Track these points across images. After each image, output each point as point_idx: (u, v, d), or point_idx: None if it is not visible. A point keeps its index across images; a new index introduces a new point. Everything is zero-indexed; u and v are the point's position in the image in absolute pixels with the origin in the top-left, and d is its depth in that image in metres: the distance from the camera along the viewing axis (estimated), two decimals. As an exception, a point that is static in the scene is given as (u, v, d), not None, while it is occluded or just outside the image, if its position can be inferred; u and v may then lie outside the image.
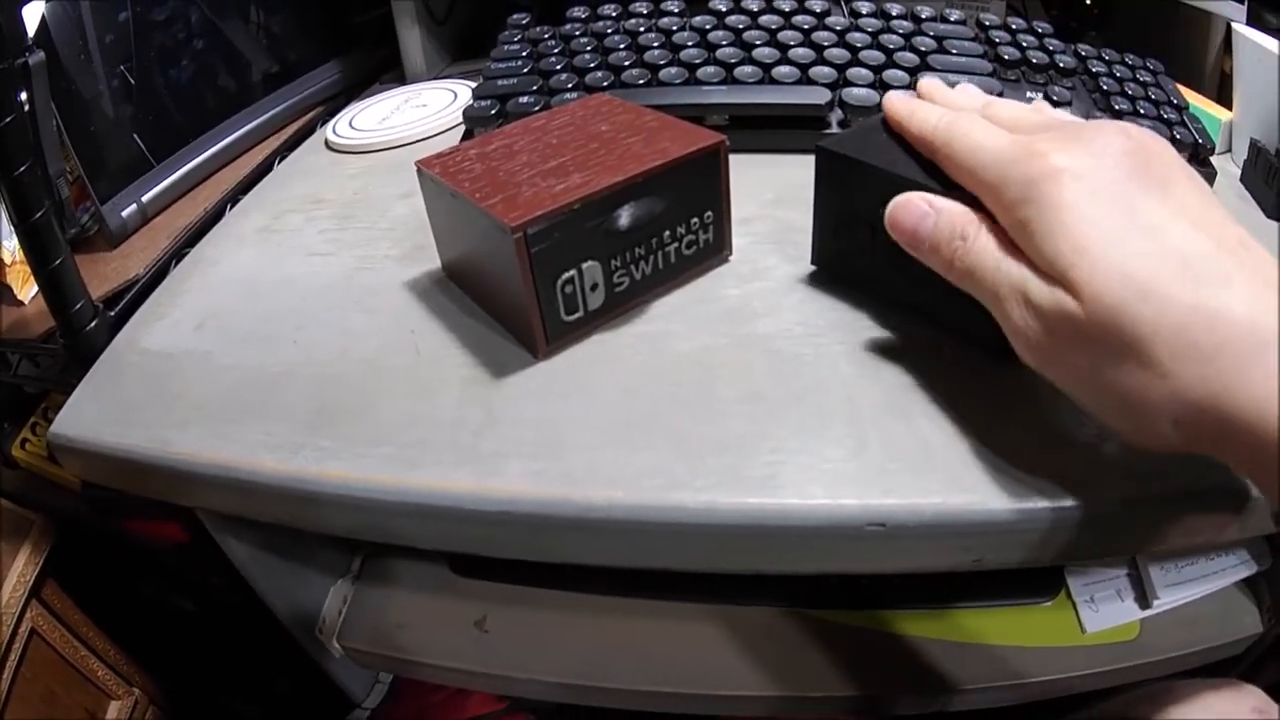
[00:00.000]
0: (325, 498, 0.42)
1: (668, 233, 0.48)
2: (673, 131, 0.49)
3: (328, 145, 0.76)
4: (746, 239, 0.54)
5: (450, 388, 0.45)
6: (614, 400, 0.44)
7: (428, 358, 0.48)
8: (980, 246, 0.37)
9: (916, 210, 0.40)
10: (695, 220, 0.49)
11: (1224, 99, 0.67)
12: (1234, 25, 0.64)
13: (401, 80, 0.89)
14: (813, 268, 0.52)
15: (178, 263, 0.61)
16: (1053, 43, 0.68)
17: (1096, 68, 0.66)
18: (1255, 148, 0.60)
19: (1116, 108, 0.62)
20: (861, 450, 0.40)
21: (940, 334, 0.46)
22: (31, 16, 0.59)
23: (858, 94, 0.62)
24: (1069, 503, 0.37)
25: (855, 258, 0.48)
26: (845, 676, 0.61)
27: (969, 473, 0.38)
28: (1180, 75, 0.68)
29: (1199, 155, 0.60)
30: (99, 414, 0.47)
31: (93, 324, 0.52)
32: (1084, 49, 0.68)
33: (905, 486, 0.38)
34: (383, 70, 0.95)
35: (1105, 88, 0.64)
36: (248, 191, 0.71)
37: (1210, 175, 0.59)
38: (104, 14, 0.65)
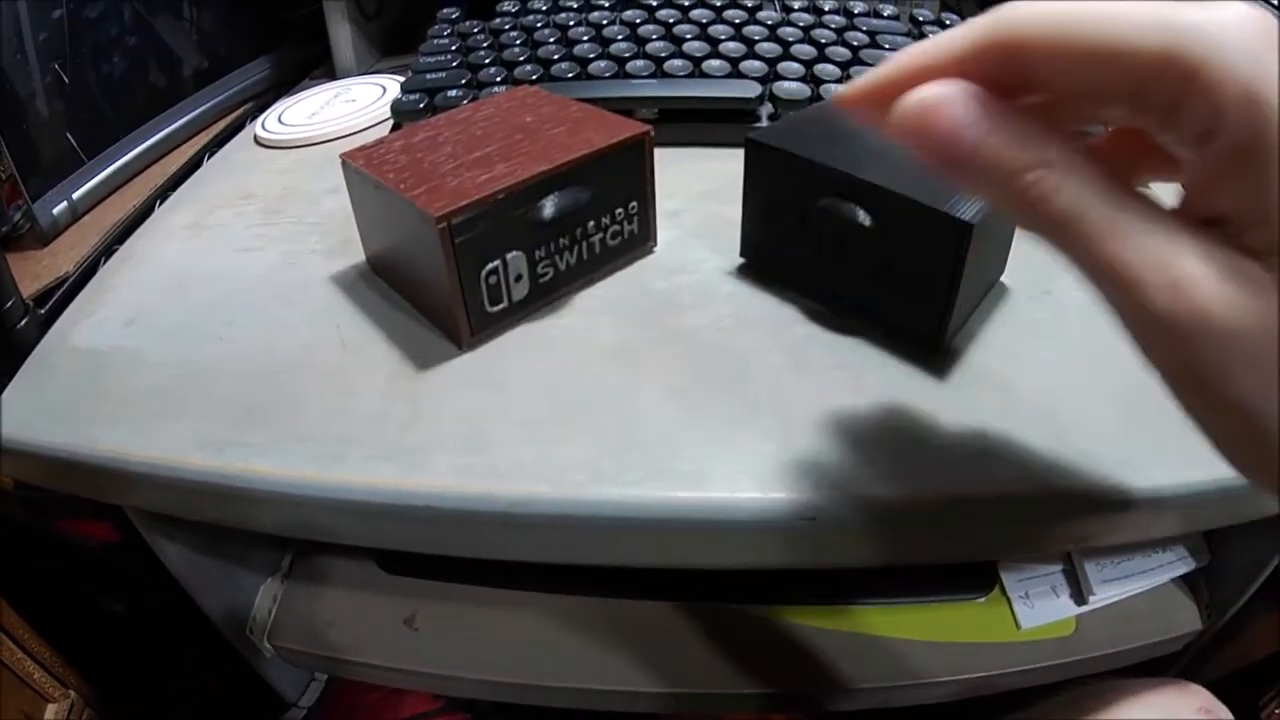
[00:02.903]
0: (251, 494, 0.42)
1: (592, 223, 0.48)
2: (598, 122, 0.49)
3: (257, 141, 0.75)
4: (675, 231, 0.55)
5: (376, 381, 0.45)
6: (538, 394, 0.44)
7: (353, 351, 0.48)
8: (1080, 180, 0.22)
9: (957, 108, 0.23)
10: (620, 211, 0.50)
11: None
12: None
13: (331, 76, 0.89)
14: (742, 260, 0.52)
15: (107, 259, 0.61)
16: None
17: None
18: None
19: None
20: (790, 443, 0.40)
21: (869, 325, 0.46)
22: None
23: (788, 88, 0.62)
24: (1001, 495, 0.37)
25: (785, 250, 0.49)
26: (779, 671, 0.61)
27: (899, 464, 0.38)
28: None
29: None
30: (28, 412, 0.47)
31: (23, 322, 0.52)
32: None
33: (835, 479, 0.38)
34: (313, 66, 0.94)
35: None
36: (177, 187, 0.70)
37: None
38: (38, 12, 0.64)
